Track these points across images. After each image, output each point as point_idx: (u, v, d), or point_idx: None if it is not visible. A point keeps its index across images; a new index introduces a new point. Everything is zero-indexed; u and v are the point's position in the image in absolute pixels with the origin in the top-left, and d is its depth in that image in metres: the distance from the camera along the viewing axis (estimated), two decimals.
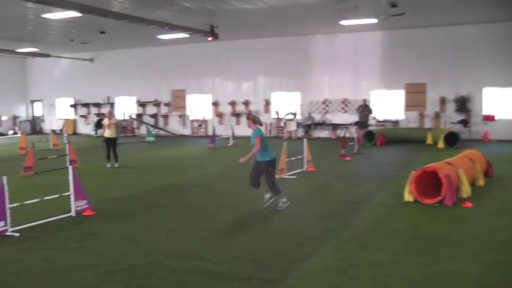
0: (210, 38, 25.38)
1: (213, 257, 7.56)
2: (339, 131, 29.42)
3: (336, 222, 9.65)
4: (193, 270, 7.02)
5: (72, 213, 10.39)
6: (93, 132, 36.38)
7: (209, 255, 7.65)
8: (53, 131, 29.15)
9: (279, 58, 30.81)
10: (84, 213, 10.49)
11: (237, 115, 32.36)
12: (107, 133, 17.99)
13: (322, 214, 10.17)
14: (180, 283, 6.57)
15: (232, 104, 32.56)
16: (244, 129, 31.06)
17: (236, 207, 11.18)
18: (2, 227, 9.07)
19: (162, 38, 27.57)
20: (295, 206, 11.01)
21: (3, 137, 37.57)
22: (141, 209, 11.30)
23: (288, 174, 15.14)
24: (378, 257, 7.50)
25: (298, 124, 30.30)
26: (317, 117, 30.34)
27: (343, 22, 22.91)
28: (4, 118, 39.88)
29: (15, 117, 40.74)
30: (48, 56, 35.38)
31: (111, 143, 18.02)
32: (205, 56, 32.66)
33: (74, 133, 37.60)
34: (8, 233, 9.10)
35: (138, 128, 36.08)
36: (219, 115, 33.14)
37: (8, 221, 9.17)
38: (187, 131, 34.49)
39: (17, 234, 9.10)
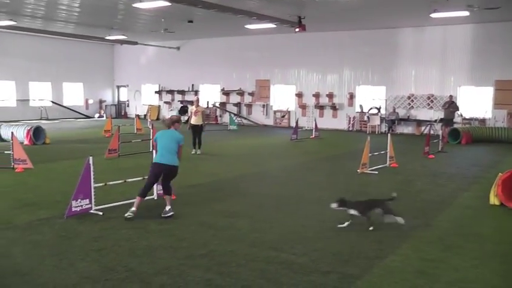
0: (297, 29, 25.23)
1: (292, 248, 7.49)
2: (423, 128, 28.58)
3: (418, 221, 9.33)
4: (272, 261, 6.97)
5: (154, 197, 10.61)
6: None
7: (289, 247, 7.58)
8: (137, 115, 29.93)
9: (365, 51, 30.25)
10: (172, 197, 10.64)
11: (320, 107, 32.10)
12: (193, 120, 18.29)
13: (404, 212, 9.85)
14: (258, 272, 6.53)
15: (316, 95, 32.30)
16: (327, 122, 30.92)
17: (317, 200, 11.04)
18: (87, 204, 9.42)
19: (250, 28, 27.65)
20: None
21: (90, 119, 39.01)
22: (223, 196, 11.39)
23: (369, 169, 14.84)
24: (461, 260, 7.18)
25: (382, 119, 29.69)
26: (401, 113, 29.59)
27: (433, 15, 22.15)
28: (91, 102, 41.44)
29: (101, 101, 42.24)
30: (135, 43, 36.34)
31: (197, 130, 18.30)
32: (291, 47, 32.54)
33: (158, 119, 38.46)
34: (92, 211, 9.44)
35: (221, 116, 36.50)
36: (303, 106, 32.98)
37: (93, 200, 9.48)
38: (269, 121, 34.54)
39: (100, 213, 9.40)
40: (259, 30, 29.31)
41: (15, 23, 26.94)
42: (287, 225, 8.88)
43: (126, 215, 9.08)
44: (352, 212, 8.73)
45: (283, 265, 6.80)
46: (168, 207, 9.37)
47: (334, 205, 8.82)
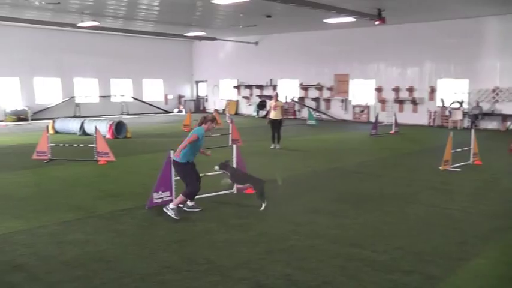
0: (376, 22, 24.80)
1: (373, 246, 7.34)
2: (509, 123, 27.39)
3: (505, 222, 8.87)
4: (353, 258, 6.85)
5: (234, 190, 10.69)
6: (254, 113, 37.31)
7: (370, 244, 7.43)
8: (216, 110, 30.27)
9: (447, 42, 29.19)
10: (245, 191, 10.73)
11: (400, 102, 31.41)
12: (273, 115, 18.31)
13: (489, 212, 9.46)
14: (338, 269, 6.43)
15: (396, 90, 31.62)
16: (407, 116, 30.21)
17: (399, 196, 10.80)
18: (168, 197, 9.61)
19: (328, 22, 27.37)
20: (460, 201, 10.40)
21: (169, 114, 39.83)
22: (302, 191, 11.33)
23: (452, 166, 14.34)
24: None
25: (465, 114, 28.65)
26: (485, 107, 28.40)
27: None
28: (170, 97, 42.35)
29: (180, 97, 43.07)
30: (214, 39, 36.77)
31: (276, 124, 18.31)
32: (370, 40, 32.00)
33: (236, 113, 38.83)
34: None
35: (299, 111, 36.39)
36: (382, 101, 32.38)
37: (173, 192, 9.64)
38: (348, 116, 34.14)
39: (181, 205, 9.51)
40: (337, 24, 28.99)
41: (98, 23, 27.89)
42: (368, 222, 8.72)
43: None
44: (227, 178, 9.99)
45: (364, 262, 6.67)
46: (190, 203, 9.40)
47: (216, 167, 10.04)
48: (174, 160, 9.17)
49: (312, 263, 6.61)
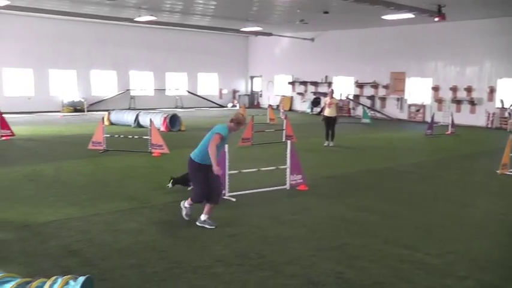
0: (436, 19, 24.26)
1: (427, 248, 7.22)
2: None
3: None
4: (405, 259, 6.76)
5: (287, 186, 10.70)
6: (308, 110, 37.20)
7: (423, 246, 7.31)
8: (270, 106, 30.29)
9: (509, 40, 28.31)
10: (298, 188, 10.74)
11: (457, 102, 30.69)
12: (327, 112, 18.21)
13: None
14: (390, 270, 6.37)
15: (454, 89, 30.86)
16: (464, 117, 29.46)
17: (454, 199, 10.58)
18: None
19: (386, 19, 26.99)
20: None
21: (223, 109, 40.11)
22: (355, 189, 11.25)
23: (510, 170, 13.92)
24: None
25: None
26: None
27: None
28: (225, 92, 42.62)
29: (235, 92, 43.30)
30: (270, 34, 36.81)
31: (330, 121, 18.20)
32: (429, 37, 31.32)
33: (290, 109, 38.76)
34: (225, 197, 9.70)
35: (354, 108, 36.04)
36: (439, 100, 31.68)
37: (227, 186, 9.73)
38: (403, 115, 33.58)
39: (233, 199, 9.66)
40: (395, 21, 28.51)
41: (155, 18, 28.24)
42: (421, 224, 8.58)
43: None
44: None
45: (417, 265, 6.57)
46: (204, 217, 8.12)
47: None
48: (190, 157, 8.33)
49: (363, 262, 6.57)
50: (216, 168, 7.84)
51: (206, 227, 7.95)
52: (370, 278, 6.04)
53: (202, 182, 8.05)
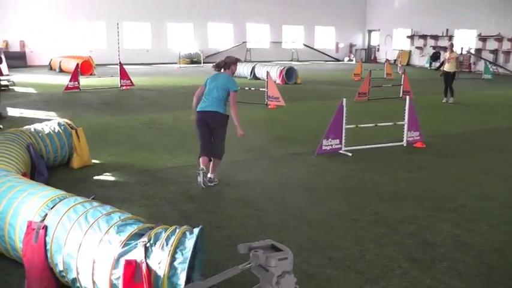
0: None
1: None
2: None
3: None
4: None
5: (404, 143, 10.47)
6: (427, 65, 35.92)
7: None
8: (387, 60, 29.53)
9: None
10: (415, 145, 10.49)
11: None
12: (446, 67, 17.47)
13: None
14: (510, 236, 6.06)
15: None
16: None
17: None
18: (337, 144, 9.70)
19: None
20: None
21: (339, 63, 39.62)
22: (474, 149, 10.78)
23: None
24: None
25: None
26: None
27: None
28: (341, 45, 42.01)
29: (351, 45, 42.59)
30: None
31: (449, 77, 17.47)
32: None
33: (408, 64, 37.62)
34: (341, 152, 9.68)
35: (475, 63, 34.34)
36: None
37: (343, 141, 9.69)
38: None
39: (349, 154, 9.61)
40: None
41: None
42: None
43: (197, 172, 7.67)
44: None
45: None
46: (210, 175, 7.74)
47: None
48: (217, 111, 7.56)
49: (482, 227, 6.29)
50: (241, 132, 7.71)
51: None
52: (489, 244, 5.77)
53: (198, 128, 7.73)
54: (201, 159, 7.65)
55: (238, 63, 8.03)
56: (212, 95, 7.56)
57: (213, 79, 7.70)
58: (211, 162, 7.74)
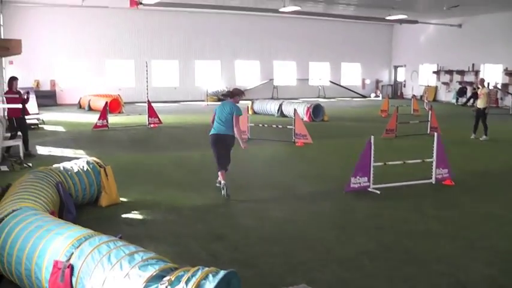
0: None
1: None
2: None
3: None
4: None
5: (432, 181, 10.30)
6: (454, 100, 35.65)
7: None
8: (414, 96, 29.40)
9: None
10: (444, 182, 10.32)
11: None
12: (478, 103, 17.25)
13: None
14: None
15: None
16: None
17: None
18: (365, 182, 9.58)
19: None
20: None
21: (365, 99, 39.58)
22: (506, 186, 10.54)
23: None
24: None
25: None
26: None
27: None
28: (367, 82, 42.01)
29: (377, 82, 42.54)
30: (415, 22, 35.62)
31: (480, 113, 17.18)
32: None
33: (435, 100, 37.34)
34: (370, 189, 9.57)
35: (502, 99, 33.94)
36: None
37: (371, 178, 9.59)
38: None
39: (378, 192, 9.49)
40: None
41: (300, 8, 28.33)
42: None
43: (218, 185, 9.68)
44: None
45: None
46: (222, 181, 9.39)
47: None
48: (228, 134, 9.46)
49: None
50: (244, 146, 9.69)
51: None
52: None
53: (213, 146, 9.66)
54: (220, 173, 9.43)
55: (240, 97, 9.69)
56: (222, 118, 9.41)
57: (222, 106, 9.58)
58: (222, 173, 9.42)
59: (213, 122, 9.66)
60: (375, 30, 41.26)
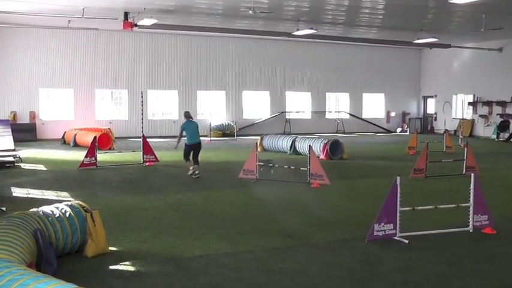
0: None
1: None
2: None
3: None
4: None
5: (470, 229, 10.22)
6: (494, 136, 35.62)
7: None
8: (447, 131, 29.43)
9: None
10: (483, 231, 10.24)
11: None
12: None
13: None
14: None
15: None
16: None
17: None
18: (391, 230, 9.52)
19: None
20: None
21: (391, 134, 39.58)
22: None
23: None
24: None
25: None
26: None
27: None
28: (393, 114, 42.04)
29: (404, 114, 42.55)
30: (448, 46, 35.73)
31: None
32: None
33: (471, 135, 37.36)
34: (396, 238, 9.50)
35: None
36: None
37: (397, 225, 9.52)
38: None
39: (406, 241, 9.41)
40: None
41: (315, 31, 28.48)
42: None
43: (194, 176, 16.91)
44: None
45: None
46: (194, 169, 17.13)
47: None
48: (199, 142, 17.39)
49: None
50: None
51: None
52: None
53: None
54: (188, 163, 17.34)
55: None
56: (193, 133, 17.09)
57: (188, 124, 17.37)
58: (196, 166, 17.04)
59: (180, 135, 17.48)
60: (401, 56, 41.53)
